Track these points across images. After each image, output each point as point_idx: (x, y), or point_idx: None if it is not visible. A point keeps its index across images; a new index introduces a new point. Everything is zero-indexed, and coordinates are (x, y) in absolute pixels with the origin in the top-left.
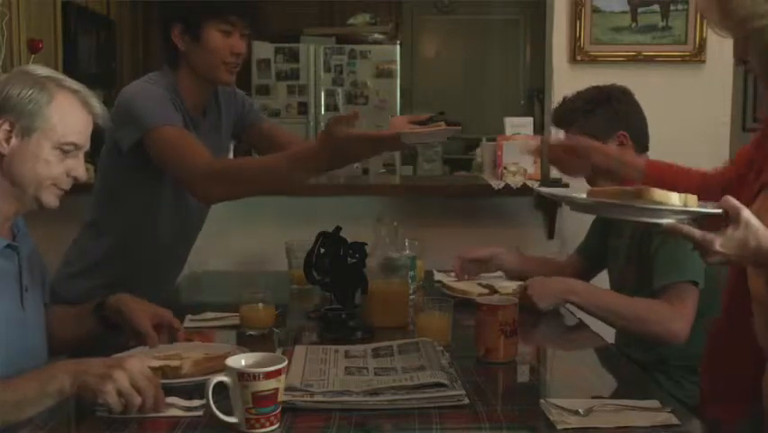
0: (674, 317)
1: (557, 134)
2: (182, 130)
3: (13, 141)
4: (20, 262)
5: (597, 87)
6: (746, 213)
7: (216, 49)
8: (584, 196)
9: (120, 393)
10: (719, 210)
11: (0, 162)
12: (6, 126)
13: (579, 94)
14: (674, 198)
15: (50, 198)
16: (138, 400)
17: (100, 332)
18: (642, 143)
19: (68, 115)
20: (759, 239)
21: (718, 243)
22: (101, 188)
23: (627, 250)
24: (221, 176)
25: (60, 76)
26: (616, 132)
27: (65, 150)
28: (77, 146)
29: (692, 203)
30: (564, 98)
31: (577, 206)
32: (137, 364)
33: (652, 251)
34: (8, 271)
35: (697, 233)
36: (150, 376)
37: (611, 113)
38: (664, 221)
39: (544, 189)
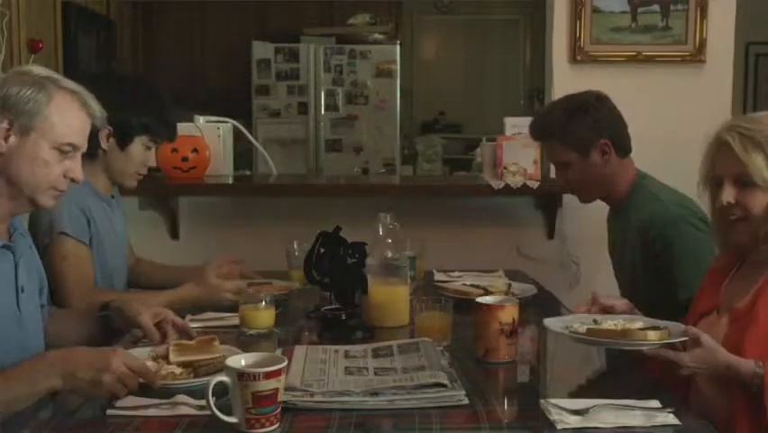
0: None
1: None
2: (78, 249)
3: (12, 139)
4: (16, 263)
5: (571, 97)
6: (705, 337)
7: (138, 162)
8: (584, 329)
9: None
10: (685, 338)
11: None
12: (5, 125)
13: (554, 104)
14: (651, 335)
15: (48, 201)
16: (124, 394)
17: (101, 338)
18: (624, 148)
19: (67, 116)
20: (718, 354)
21: (688, 359)
22: None
23: (631, 257)
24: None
25: (59, 76)
26: (597, 141)
27: (63, 150)
28: (74, 147)
29: (664, 336)
30: (540, 110)
31: (579, 339)
32: (122, 361)
33: (672, 261)
34: (4, 272)
35: (671, 354)
36: (137, 368)
37: (590, 122)
38: (646, 348)
39: (549, 322)
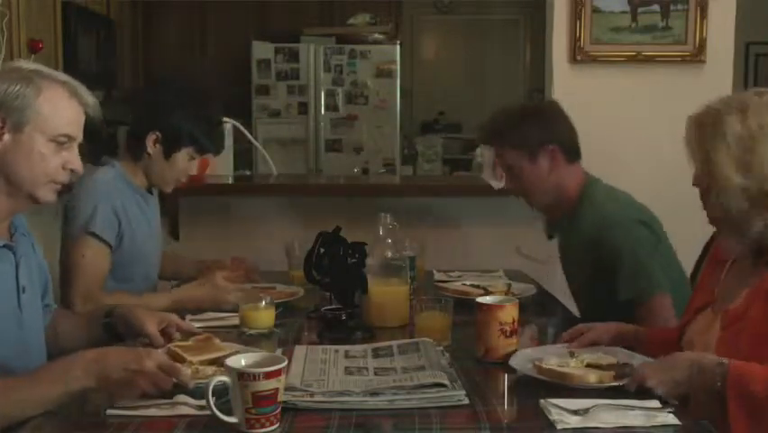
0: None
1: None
2: (99, 250)
3: (6, 137)
4: (17, 263)
5: (524, 103)
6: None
7: (180, 170)
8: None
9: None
10: (621, 382)
11: None
12: None
13: (506, 109)
14: (590, 378)
15: (48, 195)
16: (154, 392)
17: (104, 341)
18: (573, 153)
19: (59, 107)
20: (675, 357)
21: (648, 375)
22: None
23: (579, 261)
24: (87, 303)
25: (47, 69)
26: (546, 146)
27: (59, 142)
28: (70, 138)
29: (604, 378)
30: (492, 115)
31: (530, 376)
32: (154, 361)
33: (615, 262)
34: (5, 272)
35: (630, 383)
36: (169, 369)
37: (540, 127)
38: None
39: (519, 357)
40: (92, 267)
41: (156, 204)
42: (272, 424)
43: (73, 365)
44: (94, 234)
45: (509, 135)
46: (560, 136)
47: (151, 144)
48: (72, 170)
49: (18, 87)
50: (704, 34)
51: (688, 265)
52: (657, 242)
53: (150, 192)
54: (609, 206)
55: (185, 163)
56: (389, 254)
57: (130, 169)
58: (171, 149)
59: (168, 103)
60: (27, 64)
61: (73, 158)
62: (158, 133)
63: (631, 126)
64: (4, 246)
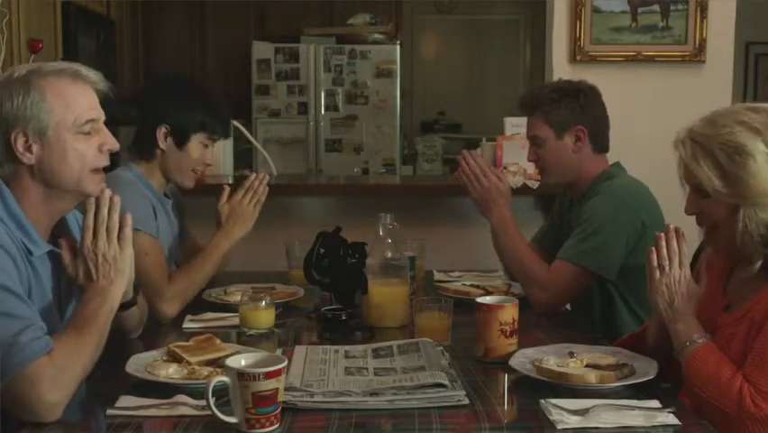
0: (542, 284)
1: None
2: (154, 243)
3: (35, 148)
4: (60, 269)
5: (568, 81)
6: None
7: (195, 159)
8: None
9: None
10: (620, 384)
11: (31, 173)
12: (21, 138)
13: (549, 83)
14: (589, 378)
15: (95, 187)
16: None
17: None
18: (600, 144)
19: (69, 97)
20: (690, 303)
21: (671, 274)
22: None
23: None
24: (174, 298)
25: (39, 65)
26: (575, 126)
27: (85, 130)
28: (93, 120)
29: (607, 378)
30: (534, 85)
31: (529, 376)
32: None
33: (573, 229)
34: (46, 280)
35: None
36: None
37: (575, 106)
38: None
39: (516, 365)
40: (158, 261)
41: (174, 207)
42: (272, 424)
43: (92, 296)
44: (139, 230)
45: (544, 109)
46: (591, 122)
47: (162, 138)
48: (109, 150)
49: (21, 97)
50: (704, 34)
51: None
52: (636, 238)
53: (167, 196)
54: (620, 183)
55: (199, 151)
56: (389, 254)
57: (146, 170)
58: (183, 138)
59: (171, 94)
60: (19, 70)
61: (105, 137)
62: (166, 125)
63: (631, 126)
64: (49, 252)
